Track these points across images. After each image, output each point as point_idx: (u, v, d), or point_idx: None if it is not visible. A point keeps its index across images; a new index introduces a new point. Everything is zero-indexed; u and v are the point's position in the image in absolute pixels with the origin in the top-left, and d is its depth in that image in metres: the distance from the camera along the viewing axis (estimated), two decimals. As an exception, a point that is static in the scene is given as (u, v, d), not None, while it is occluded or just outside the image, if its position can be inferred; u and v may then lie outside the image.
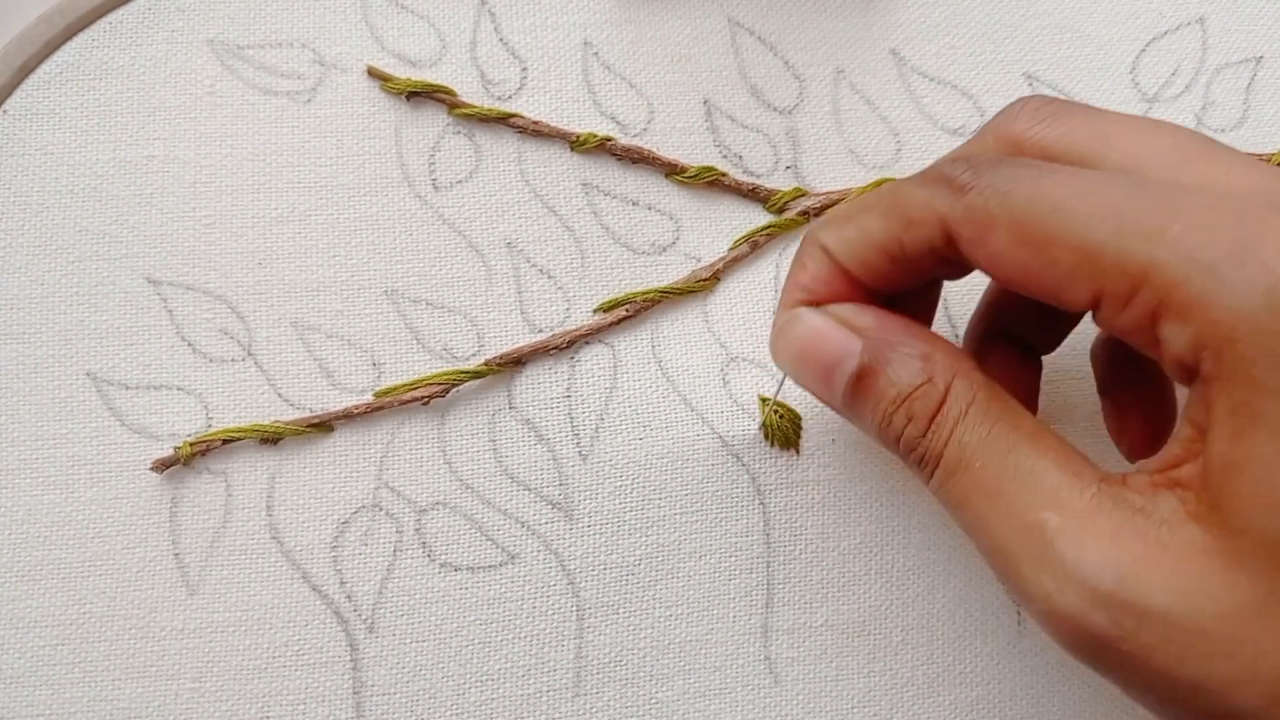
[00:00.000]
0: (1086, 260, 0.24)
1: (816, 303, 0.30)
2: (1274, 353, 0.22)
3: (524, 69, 0.38)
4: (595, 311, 0.37)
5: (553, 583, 0.35)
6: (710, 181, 0.38)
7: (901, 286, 0.30)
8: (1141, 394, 0.32)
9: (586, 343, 0.37)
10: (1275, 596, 0.22)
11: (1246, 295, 0.22)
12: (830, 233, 0.30)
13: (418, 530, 0.35)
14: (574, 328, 0.37)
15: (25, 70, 0.36)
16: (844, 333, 0.29)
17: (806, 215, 0.38)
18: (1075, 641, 0.24)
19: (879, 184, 0.38)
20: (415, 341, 0.36)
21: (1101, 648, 0.24)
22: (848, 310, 0.29)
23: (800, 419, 0.36)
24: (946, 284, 0.34)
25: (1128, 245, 0.24)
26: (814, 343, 0.29)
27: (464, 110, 0.37)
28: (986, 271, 0.27)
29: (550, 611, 0.35)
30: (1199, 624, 0.22)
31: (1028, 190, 0.25)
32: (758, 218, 0.38)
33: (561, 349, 0.36)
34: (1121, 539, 0.23)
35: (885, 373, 0.28)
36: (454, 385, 0.36)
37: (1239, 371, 0.22)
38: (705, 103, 0.38)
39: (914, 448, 0.27)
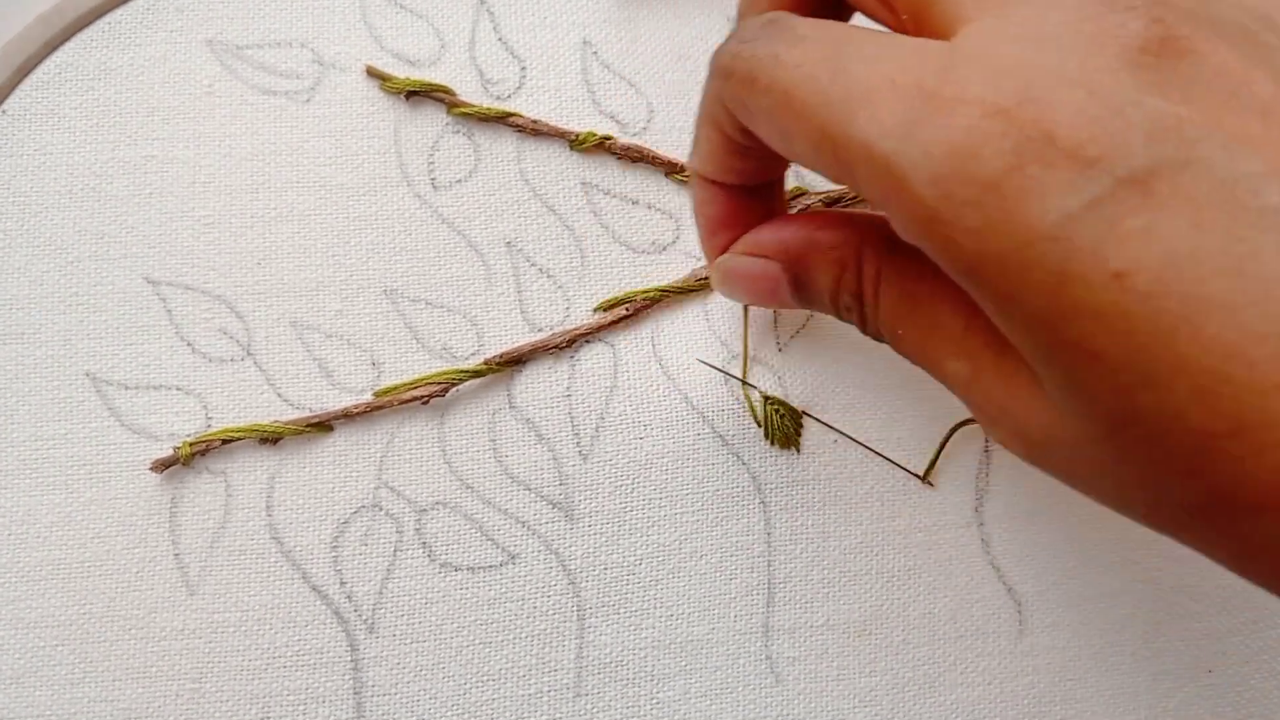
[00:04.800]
0: (817, 154, 0.25)
1: (720, 222, 0.32)
2: (965, 248, 0.22)
3: (523, 68, 0.38)
4: (595, 310, 0.37)
5: (553, 582, 0.35)
6: (710, 180, 0.38)
7: (781, 166, 0.32)
8: None
9: (587, 342, 0.37)
10: (1098, 430, 0.22)
11: (921, 190, 0.22)
12: (694, 157, 0.31)
13: (418, 530, 0.35)
14: (574, 327, 0.37)
15: (24, 70, 0.36)
16: (760, 262, 0.31)
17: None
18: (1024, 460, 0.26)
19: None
20: (415, 341, 0.36)
21: (1041, 467, 0.25)
22: (750, 240, 0.31)
23: (801, 417, 0.36)
24: None
25: (835, 143, 0.24)
26: (747, 282, 0.32)
27: (463, 109, 0.37)
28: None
29: (551, 611, 0.35)
30: (1085, 467, 0.24)
31: (764, 78, 0.26)
32: (758, 216, 0.38)
33: (562, 348, 0.36)
34: (1003, 379, 0.25)
35: (812, 279, 0.30)
36: (454, 384, 0.36)
37: (949, 266, 0.23)
38: (705, 101, 0.38)
39: (867, 331, 0.29)
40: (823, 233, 0.30)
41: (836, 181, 0.25)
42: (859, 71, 0.24)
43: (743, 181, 0.31)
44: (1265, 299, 0.20)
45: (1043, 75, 0.22)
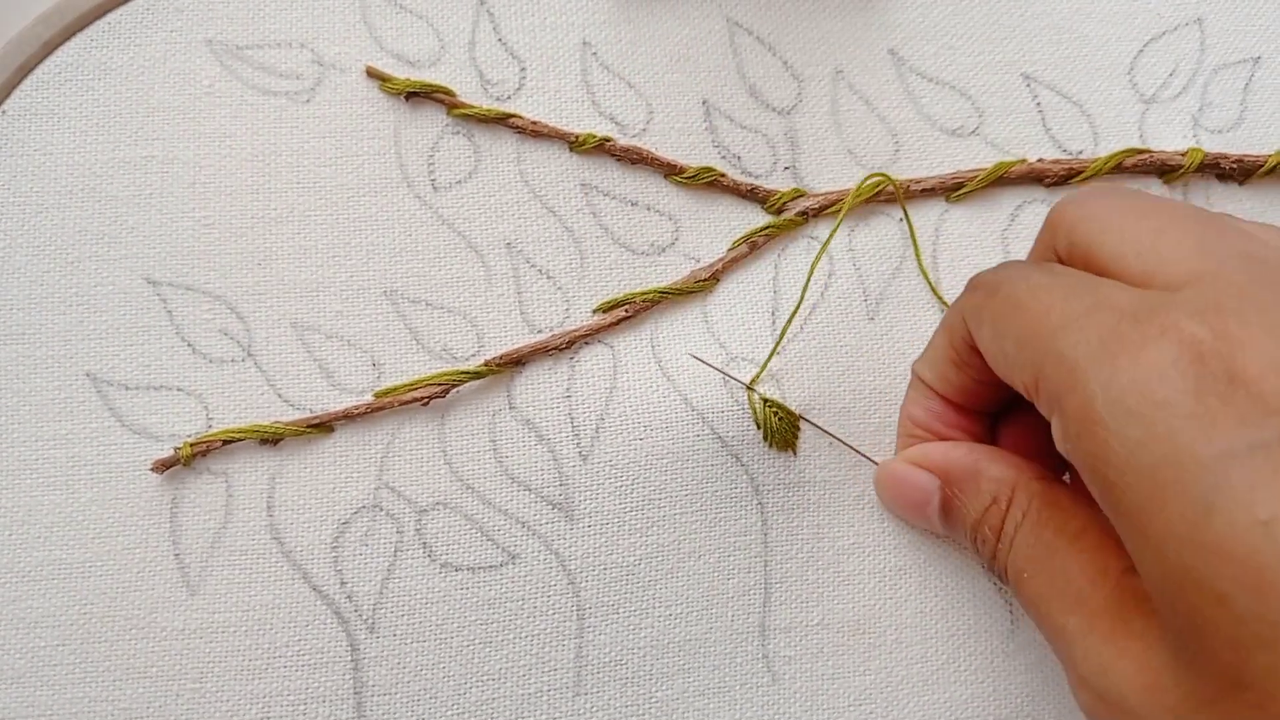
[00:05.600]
0: (1019, 352, 0.27)
1: (921, 428, 0.34)
2: (1118, 456, 0.23)
3: (523, 69, 0.38)
4: (595, 312, 0.37)
5: (553, 582, 0.35)
6: (709, 182, 0.38)
7: (988, 401, 0.33)
8: None
9: (586, 343, 0.37)
10: (1207, 691, 0.22)
11: (1095, 394, 0.23)
12: (920, 360, 0.34)
13: (418, 530, 0.35)
14: (574, 328, 0.37)
15: (24, 70, 0.36)
16: (921, 474, 0.33)
17: (805, 215, 0.38)
18: None
19: (873, 180, 0.38)
20: (415, 342, 0.36)
21: None
22: (919, 452, 0.33)
23: (798, 421, 0.36)
24: None
25: (1039, 341, 0.26)
26: (901, 489, 0.34)
27: (463, 110, 0.37)
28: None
29: (550, 611, 0.35)
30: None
31: (1006, 289, 0.28)
32: (756, 218, 0.38)
33: (561, 349, 0.36)
34: (1116, 638, 0.25)
35: (961, 505, 0.31)
36: (454, 385, 0.36)
37: (1094, 476, 0.24)
38: (704, 103, 0.38)
39: (994, 566, 0.30)
40: (987, 464, 0.31)
41: (1023, 385, 0.27)
42: (1089, 297, 0.25)
43: (949, 395, 0.33)
44: None
45: (1245, 324, 0.22)
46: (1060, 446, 0.25)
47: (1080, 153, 0.39)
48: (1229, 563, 0.20)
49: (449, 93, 0.37)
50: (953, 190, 0.39)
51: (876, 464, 0.36)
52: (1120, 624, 0.25)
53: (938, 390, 0.33)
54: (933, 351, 0.33)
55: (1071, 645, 0.26)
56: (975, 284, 0.30)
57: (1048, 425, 0.33)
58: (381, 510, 0.35)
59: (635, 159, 0.38)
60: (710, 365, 0.36)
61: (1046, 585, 0.27)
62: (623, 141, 0.38)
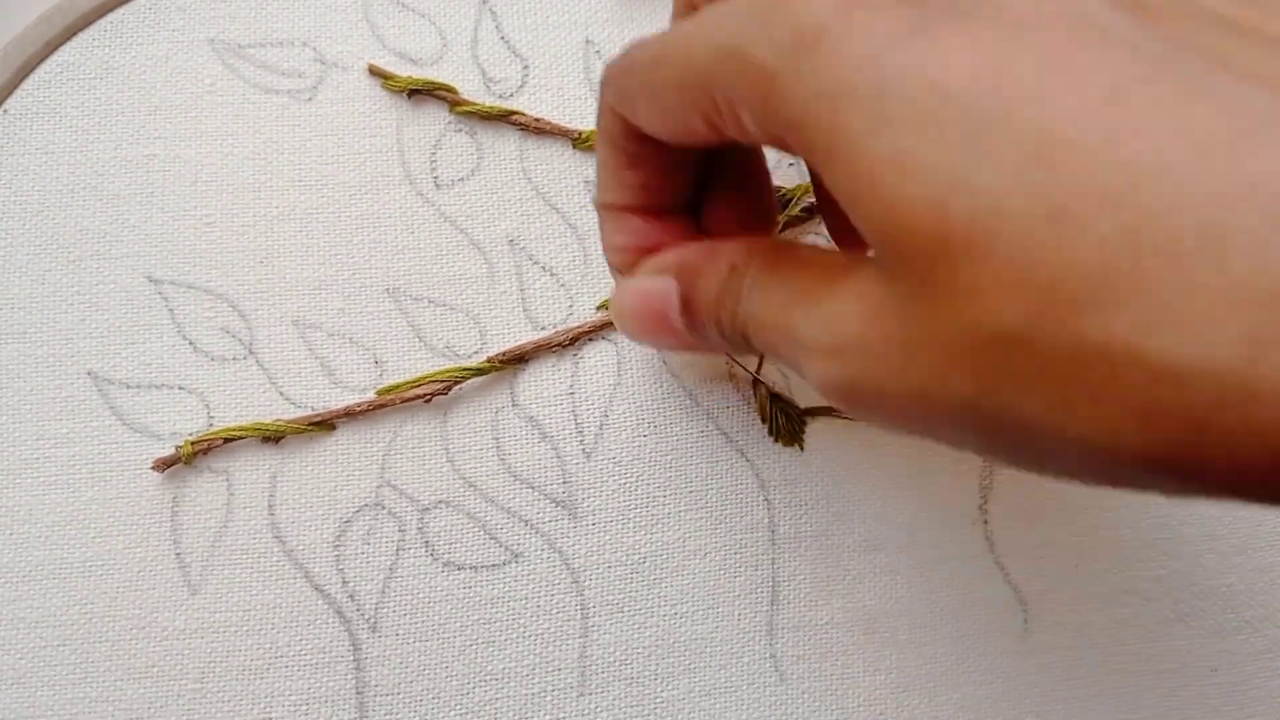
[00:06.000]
0: (681, 92, 0.25)
1: (630, 255, 0.31)
2: (793, 88, 0.22)
3: (525, 67, 0.38)
4: (598, 308, 0.37)
5: (557, 581, 0.35)
6: (712, 178, 0.38)
7: (677, 190, 0.30)
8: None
9: (590, 339, 0.37)
10: (916, 274, 0.21)
11: (754, 50, 0.22)
12: (596, 189, 0.31)
13: (420, 529, 0.35)
14: (577, 324, 0.36)
15: (26, 69, 0.36)
16: (658, 279, 0.29)
17: (811, 211, 0.38)
18: (848, 408, 0.24)
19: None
20: (417, 339, 0.36)
21: (859, 402, 0.23)
22: (652, 262, 0.30)
23: (804, 415, 0.36)
24: None
25: (691, 64, 0.24)
26: (640, 301, 0.29)
27: (465, 108, 0.37)
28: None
29: (554, 610, 0.35)
30: (884, 347, 0.22)
31: (638, 54, 0.27)
32: (760, 214, 0.38)
33: (565, 346, 0.36)
34: (838, 299, 0.23)
35: (700, 287, 0.28)
36: (456, 383, 0.35)
37: (786, 125, 0.23)
38: (707, 100, 0.38)
39: (735, 328, 0.27)
40: (722, 245, 0.28)
41: (704, 119, 0.25)
42: (724, 5, 0.24)
43: (636, 202, 0.30)
44: (1088, 85, 0.19)
45: None
46: (758, 130, 0.24)
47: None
48: (909, 129, 0.20)
49: (451, 90, 0.37)
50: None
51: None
52: (841, 284, 0.23)
53: (623, 205, 0.30)
54: (602, 169, 0.30)
55: (799, 328, 0.24)
56: (607, 75, 0.28)
57: (750, 195, 0.31)
58: (383, 509, 0.35)
59: (638, 155, 0.37)
60: (730, 359, 0.36)
61: (777, 307, 0.25)
62: (625, 138, 0.38)
